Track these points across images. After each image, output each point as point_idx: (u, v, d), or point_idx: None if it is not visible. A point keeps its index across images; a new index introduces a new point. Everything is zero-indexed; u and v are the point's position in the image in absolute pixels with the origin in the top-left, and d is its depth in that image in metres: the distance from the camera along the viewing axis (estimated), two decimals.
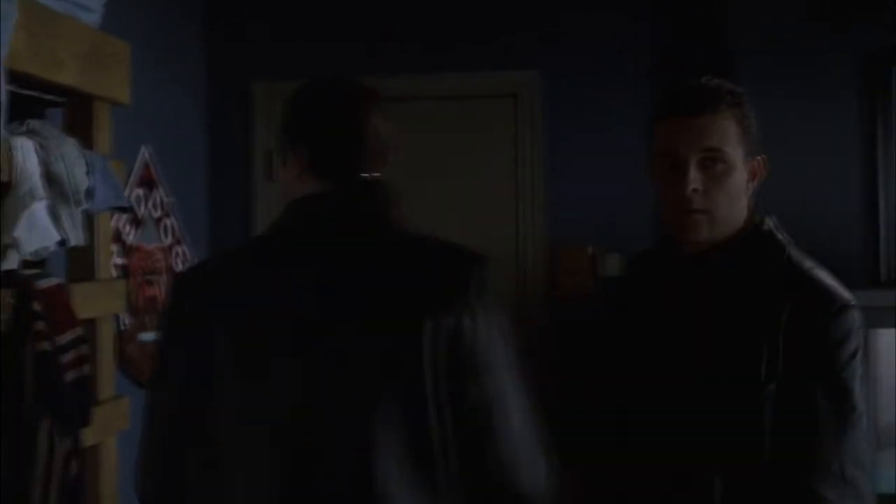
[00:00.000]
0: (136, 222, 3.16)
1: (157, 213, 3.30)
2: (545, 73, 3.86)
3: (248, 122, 3.88)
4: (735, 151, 1.67)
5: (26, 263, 2.10)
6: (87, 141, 2.37)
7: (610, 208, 3.78)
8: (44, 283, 2.04)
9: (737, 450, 1.62)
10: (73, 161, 2.14)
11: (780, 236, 1.73)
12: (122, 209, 2.39)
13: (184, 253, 3.49)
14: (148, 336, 3.15)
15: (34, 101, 2.31)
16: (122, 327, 3.04)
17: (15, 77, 2.06)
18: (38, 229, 2.00)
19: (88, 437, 2.19)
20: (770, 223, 1.75)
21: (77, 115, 2.40)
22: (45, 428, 1.97)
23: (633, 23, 3.83)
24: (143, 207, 3.19)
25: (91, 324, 2.37)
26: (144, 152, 3.21)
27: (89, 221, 2.37)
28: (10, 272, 2.00)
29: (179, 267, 3.46)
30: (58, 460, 2.00)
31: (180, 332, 1.57)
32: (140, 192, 3.18)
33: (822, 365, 1.61)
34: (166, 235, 3.36)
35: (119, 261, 3.02)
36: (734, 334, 1.65)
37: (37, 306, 1.98)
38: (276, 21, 3.91)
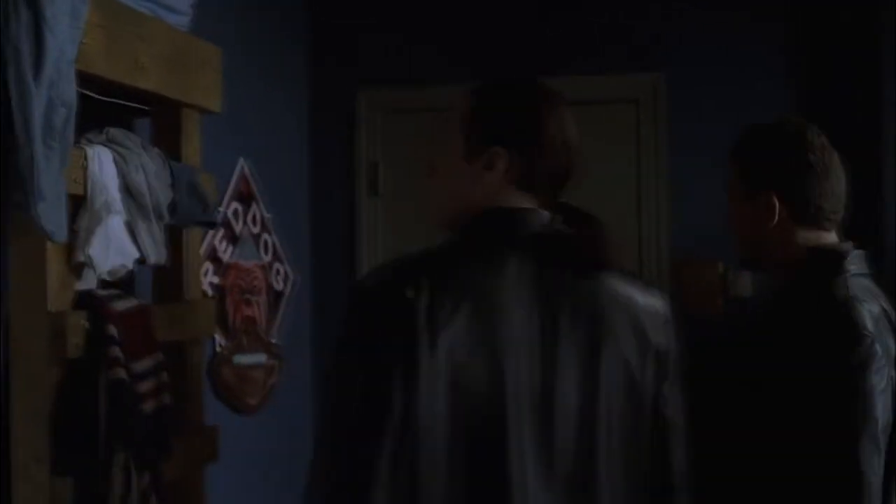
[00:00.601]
0: (233, 239, 3.00)
1: (256, 229, 3.14)
2: (669, 76, 3.58)
3: (352, 132, 3.70)
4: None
5: (107, 283, 1.94)
6: (174, 151, 2.22)
7: None
8: (121, 305, 1.88)
9: None
10: (154, 172, 1.97)
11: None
12: (210, 224, 2.23)
13: (284, 271, 3.33)
14: (245, 358, 2.99)
15: (121, 108, 2.17)
16: (218, 349, 2.88)
17: (91, 81, 1.91)
18: (114, 246, 1.84)
19: (173, 470, 2.02)
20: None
21: (163, 123, 2.25)
22: (121, 462, 1.81)
23: (762, 22, 3.52)
24: (240, 223, 3.04)
25: (179, 347, 2.21)
26: (242, 165, 3.06)
27: (177, 238, 2.21)
28: (85, 293, 1.84)
29: (280, 286, 3.29)
30: (135, 496, 1.83)
31: (389, 357, 1.34)
32: (237, 206, 3.03)
33: None
34: (266, 252, 3.20)
35: (214, 279, 2.86)
36: None
37: (112, 330, 1.82)
38: (383, 26, 3.72)
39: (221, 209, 2.89)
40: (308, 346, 3.56)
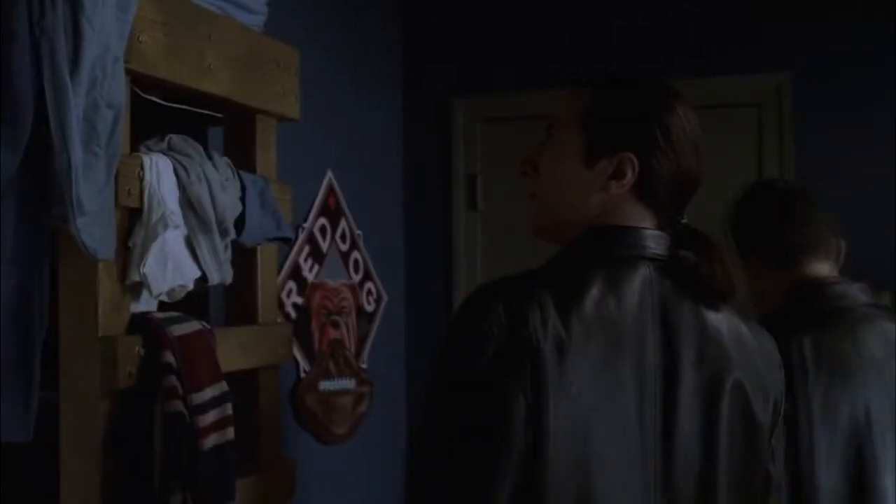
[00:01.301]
0: (319, 256, 2.82)
1: (344, 247, 2.95)
2: (793, 77, 3.26)
3: (447, 143, 3.49)
4: None
5: (170, 305, 1.77)
6: (248, 162, 2.04)
7: (874, 236, 3.10)
8: (179, 329, 1.70)
9: None
10: (220, 184, 1.79)
11: None
12: (285, 241, 2.04)
13: (375, 291, 3.14)
14: (331, 384, 2.80)
15: (192, 116, 2.01)
16: (302, 375, 2.70)
17: (155, 85, 1.75)
18: (172, 264, 1.66)
19: None
20: None
21: (235, 131, 2.08)
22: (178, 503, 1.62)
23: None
24: (327, 240, 2.86)
25: (252, 375, 2.03)
26: (329, 178, 2.88)
27: (251, 255, 2.03)
28: (140, 316, 1.67)
29: (370, 306, 3.10)
30: None
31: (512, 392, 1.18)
32: (324, 222, 2.85)
33: None
34: (355, 271, 3.01)
35: (297, 300, 2.68)
36: None
37: (168, 357, 1.64)
38: (479, 30, 3.52)
39: (306, 225, 2.72)
40: (401, 371, 3.36)
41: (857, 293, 1.87)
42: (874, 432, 1.75)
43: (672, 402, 1.24)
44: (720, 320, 1.30)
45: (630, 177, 1.29)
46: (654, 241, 1.30)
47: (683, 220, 1.34)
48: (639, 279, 1.26)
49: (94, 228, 1.43)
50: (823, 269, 1.89)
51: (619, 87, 1.36)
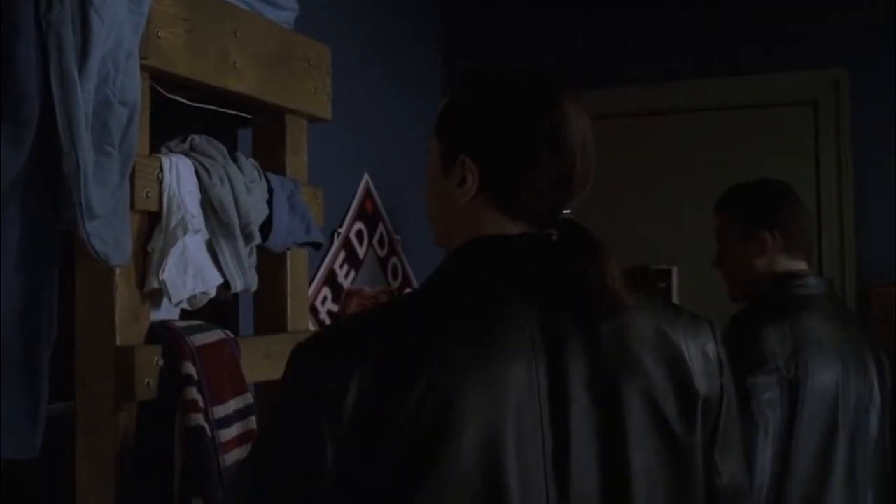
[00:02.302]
0: (356, 262, 2.73)
1: (382, 252, 2.87)
2: (852, 74, 3.12)
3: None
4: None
5: (191, 314, 1.69)
6: (277, 164, 1.97)
7: None
8: (201, 339, 1.62)
9: None
10: (244, 186, 1.71)
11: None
12: (315, 246, 1.96)
13: None
14: None
15: (221, 116, 1.93)
16: None
17: (180, 84, 1.68)
18: (192, 270, 1.59)
19: None
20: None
21: (264, 132, 2.00)
22: None
23: None
24: (363, 245, 2.77)
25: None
26: (366, 180, 2.79)
27: (280, 261, 1.95)
28: (160, 325, 1.60)
29: None
30: None
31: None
32: (360, 226, 2.76)
33: None
34: (394, 277, 2.92)
35: (333, 307, 2.60)
36: None
37: (189, 368, 1.56)
38: (518, 27, 3.41)
39: (341, 230, 2.64)
40: None
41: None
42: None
43: (563, 429, 1.09)
44: (616, 327, 1.14)
45: (471, 182, 1.17)
46: (525, 248, 1.17)
47: (564, 215, 1.19)
48: (510, 296, 1.12)
49: (105, 232, 1.35)
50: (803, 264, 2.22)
51: (469, 87, 1.24)
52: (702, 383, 1.17)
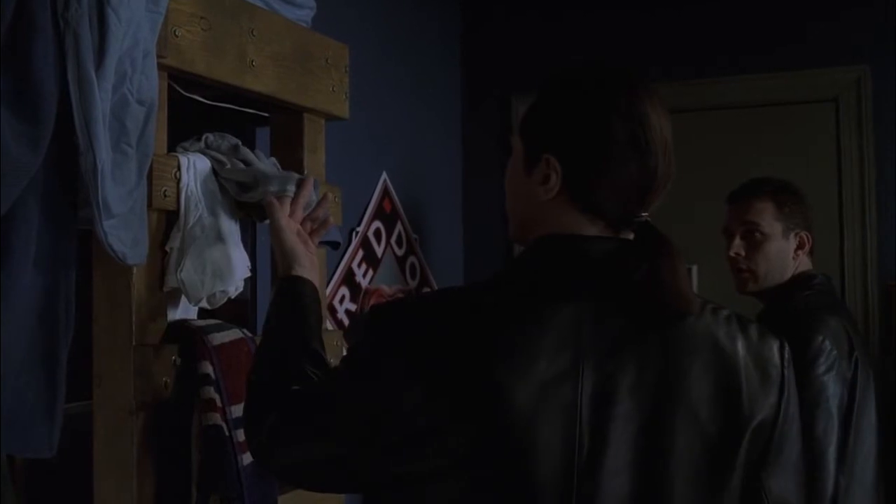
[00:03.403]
0: (374, 261, 2.73)
1: (401, 251, 2.86)
2: (872, 69, 3.08)
3: (509, 142, 3.37)
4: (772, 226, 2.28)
5: (211, 313, 1.69)
6: (295, 163, 1.96)
7: None
8: (219, 338, 1.61)
9: None
10: None
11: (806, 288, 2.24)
12: (332, 245, 1.95)
13: None
14: None
15: (240, 116, 1.93)
16: None
17: (197, 83, 1.68)
18: (210, 269, 1.58)
19: None
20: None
21: (282, 131, 2.00)
22: None
23: None
24: (382, 244, 2.77)
25: None
26: (384, 179, 2.79)
27: None
28: (178, 324, 1.60)
29: None
30: None
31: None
32: (378, 225, 2.76)
33: None
34: (412, 276, 2.91)
35: (350, 306, 2.59)
36: None
37: (207, 367, 1.56)
38: (540, 24, 3.39)
39: (359, 229, 2.63)
40: None
41: None
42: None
43: (600, 435, 1.09)
44: (673, 335, 1.14)
45: (554, 181, 1.18)
46: (595, 249, 1.17)
47: (642, 217, 1.20)
48: (570, 297, 1.14)
49: (123, 232, 1.35)
50: None
51: (554, 86, 1.24)
52: (755, 403, 1.16)
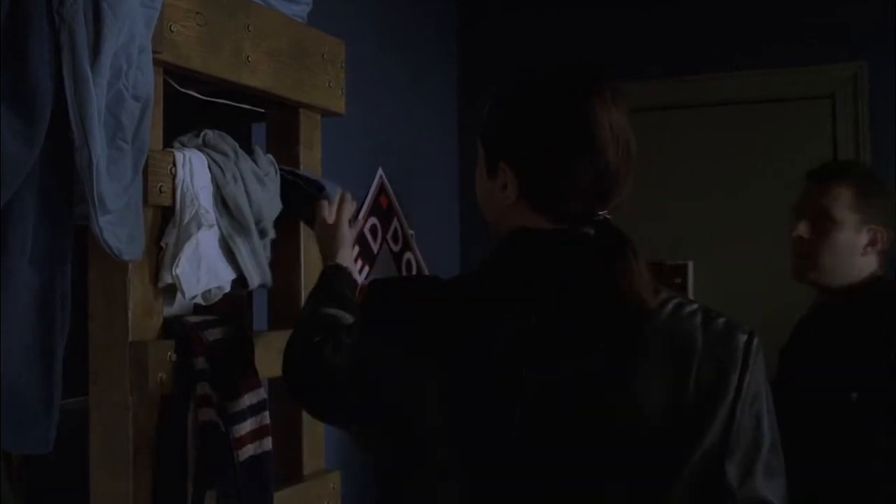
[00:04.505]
0: (370, 257, 2.73)
1: (397, 247, 2.86)
2: (869, 66, 3.09)
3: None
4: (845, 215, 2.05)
5: (205, 309, 1.69)
6: (291, 158, 1.96)
7: None
8: (214, 334, 1.62)
9: None
10: (256, 180, 1.71)
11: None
12: None
13: None
14: None
15: (236, 111, 1.93)
16: None
17: (192, 78, 1.67)
18: (206, 266, 1.58)
19: None
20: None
21: (278, 126, 1.99)
22: None
23: None
24: (378, 240, 2.77)
25: None
26: (380, 175, 2.79)
27: (294, 256, 1.95)
28: (174, 320, 1.59)
29: None
30: None
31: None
32: (374, 221, 2.76)
33: None
34: (409, 273, 2.92)
35: None
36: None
37: (202, 364, 1.56)
38: (537, 22, 3.39)
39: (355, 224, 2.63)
40: None
41: None
42: None
43: (533, 427, 1.15)
44: (629, 336, 1.15)
45: (511, 188, 1.21)
46: (553, 249, 1.19)
47: (600, 217, 1.21)
48: (519, 299, 1.18)
49: (118, 228, 1.35)
50: None
51: (506, 92, 1.26)
52: (709, 396, 1.14)
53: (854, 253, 2.06)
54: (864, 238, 2.05)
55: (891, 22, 3.11)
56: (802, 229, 2.08)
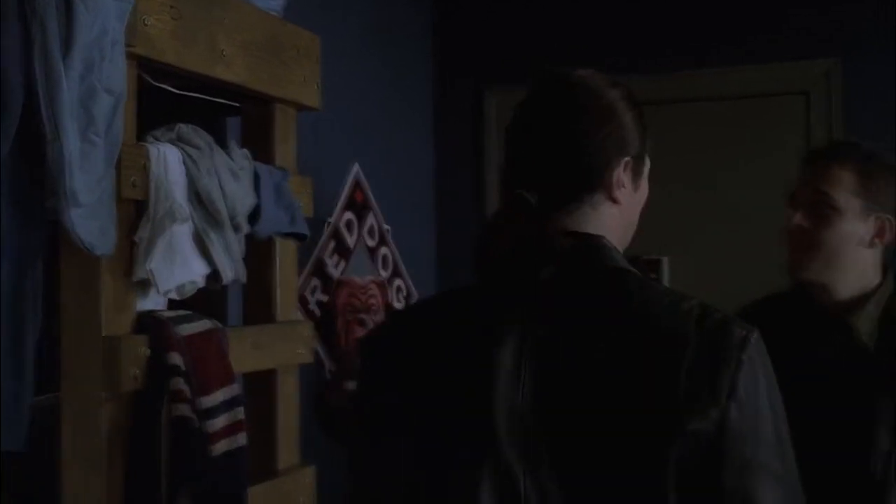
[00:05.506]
0: (345, 252, 2.72)
1: (372, 242, 2.86)
2: (842, 63, 3.11)
3: (480, 136, 3.38)
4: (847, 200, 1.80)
5: (179, 304, 1.68)
6: (266, 153, 1.95)
7: None
8: (188, 329, 1.61)
9: None
10: (232, 176, 1.70)
11: None
12: (299, 237, 1.94)
13: (405, 288, 3.04)
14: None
15: (211, 106, 1.92)
16: (327, 376, 2.60)
17: (167, 72, 1.66)
18: (179, 260, 1.57)
19: None
20: None
21: (253, 121, 1.99)
22: None
23: None
24: (353, 235, 2.76)
25: (270, 376, 1.94)
26: (356, 170, 2.78)
27: (268, 251, 1.94)
28: (147, 315, 1.58)
29: (401, 304, 3.00)
30: None
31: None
32: (350, 216, 2.75)
33: None
34: (384, 268, 2.91)
35: (322, 297, 2.59)
36: None
37: (175, 359, 1.55)
38: (514, 17, 3.39)
39: (331, 219, 2.62)
40: None
41: None
42: None
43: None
44: (610, 333, 1.17)
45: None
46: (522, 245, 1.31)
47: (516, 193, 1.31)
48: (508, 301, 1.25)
49: (90, 222, 1.34)
50: None
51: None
52: (695, 399, 1.11)
53: (860, 245, 1.82)
54: (870, 227, 1.81)
55: (864, 18, 3.14)
56: (799, 219, 1.83)
